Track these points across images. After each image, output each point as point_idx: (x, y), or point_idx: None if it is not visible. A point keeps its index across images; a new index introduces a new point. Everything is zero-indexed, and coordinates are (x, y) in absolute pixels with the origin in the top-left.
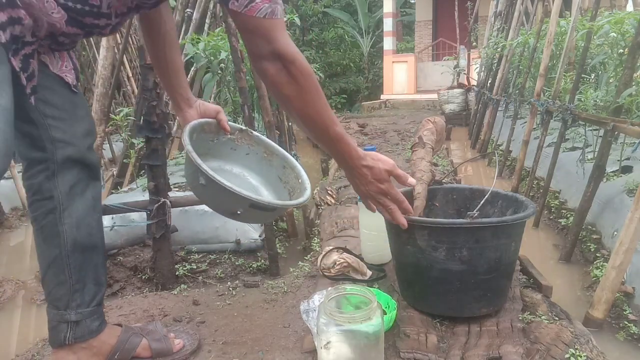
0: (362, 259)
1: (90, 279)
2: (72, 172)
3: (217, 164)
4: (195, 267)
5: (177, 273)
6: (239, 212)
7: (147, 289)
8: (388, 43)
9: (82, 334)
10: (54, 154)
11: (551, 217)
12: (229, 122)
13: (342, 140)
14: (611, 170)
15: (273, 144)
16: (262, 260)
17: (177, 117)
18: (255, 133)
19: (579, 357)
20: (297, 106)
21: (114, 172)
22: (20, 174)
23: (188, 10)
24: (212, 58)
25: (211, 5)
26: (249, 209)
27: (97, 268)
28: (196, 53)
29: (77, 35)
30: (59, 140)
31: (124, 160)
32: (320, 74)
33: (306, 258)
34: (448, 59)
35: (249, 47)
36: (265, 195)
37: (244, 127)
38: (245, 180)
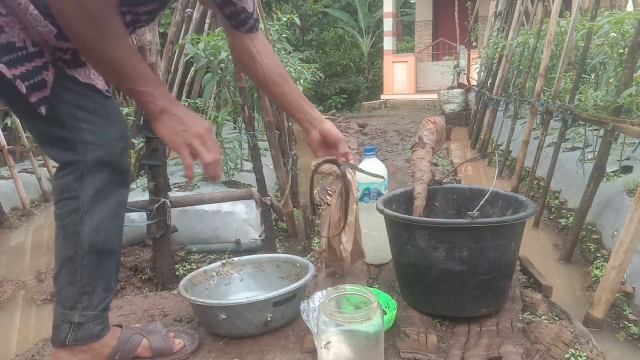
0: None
1: (100, 284)
2: (101, 175)
3: (223, 302)
4: (195, 267)
5: (177, 273)
6: (269, 319)
7: (147, 289)
8: (388, 43)
9: (83, 337)
10: (86, 156)
11: (551, 217)
12: (208, 266)
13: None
14: (611, 170)
15: (257, 255)
16: None
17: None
18: (236, 258)
19: (579, 357)
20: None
21: None
22: (21, 174)
23: (188, 10)
24: (212, 58)
25: None
26: (274, 310)
27: (110, 274)
28: (196, 53)
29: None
30: (91, 143)
31: None
32: (320, 74)
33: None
34: (448, 59)
35: None
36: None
37: (223, 261)
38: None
